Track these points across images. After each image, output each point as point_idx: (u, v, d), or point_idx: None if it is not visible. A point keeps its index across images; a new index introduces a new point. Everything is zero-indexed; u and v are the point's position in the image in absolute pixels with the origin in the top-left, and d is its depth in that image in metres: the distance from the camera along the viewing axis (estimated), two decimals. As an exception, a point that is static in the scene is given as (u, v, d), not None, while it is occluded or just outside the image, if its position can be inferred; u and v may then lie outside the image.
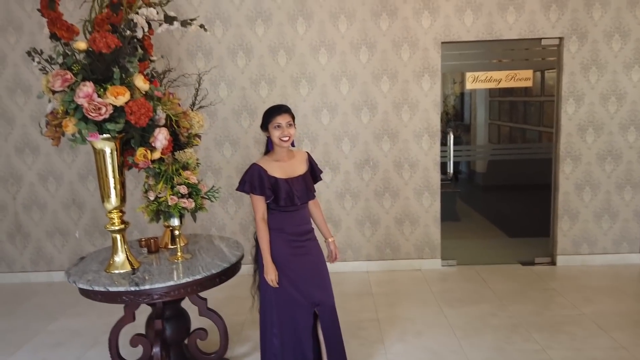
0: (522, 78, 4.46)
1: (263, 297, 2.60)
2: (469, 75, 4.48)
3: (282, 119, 2.47)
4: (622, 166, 4.48)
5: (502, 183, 4.99)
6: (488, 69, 4.46)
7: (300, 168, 2.60)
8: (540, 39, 4.37)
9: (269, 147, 2.57)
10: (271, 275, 2.46)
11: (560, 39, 4.36)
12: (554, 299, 3.87)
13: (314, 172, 2.67)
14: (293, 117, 2.54)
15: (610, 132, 4.43)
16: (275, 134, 2.47)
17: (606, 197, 4.53)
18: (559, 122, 4.47)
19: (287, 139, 2.48)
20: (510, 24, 4.30)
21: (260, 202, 2.50)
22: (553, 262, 4.67)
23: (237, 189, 2.54)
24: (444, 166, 4.58)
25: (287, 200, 2.48)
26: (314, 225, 2.70)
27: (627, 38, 4.30)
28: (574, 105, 4.42)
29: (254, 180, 2.47)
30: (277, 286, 2.48)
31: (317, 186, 2.70)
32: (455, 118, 4.86)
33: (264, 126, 2.52)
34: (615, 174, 4.49)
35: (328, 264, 2.72)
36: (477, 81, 4.47)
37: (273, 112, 2.49)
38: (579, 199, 4.54)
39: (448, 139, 4.55)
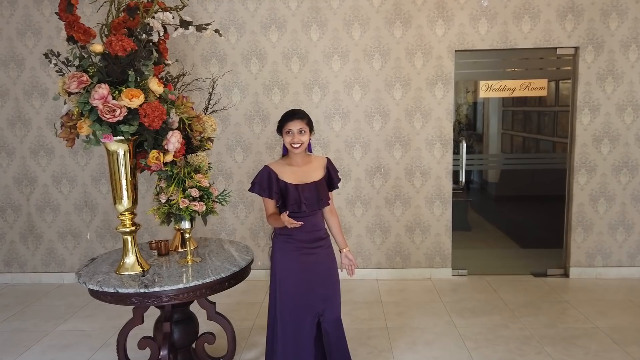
0: (537, 87, 4.42)
1: (270, 302, 2.59)
2: (482, 84, 4.45)
3: (294, 125, 2.43)
4: (638, 178, 4.41)
5: (515, 193, 4.94)
6: (502, 78, 4.43)
7: (315, 174, 2.53)
8: (556, 48, 4.33)
9: (284, 151, 2.55)
10: (284, 219, 2.31)
11: (576, 48, 4.32)
12: (567, 312, 3.81)
13: (330, 180, 2.59)
14: (310, 124, 2.49)
15: (626, 143, 4.37)
16: (286, 140, 2.46)
17: (621, 209, 4.46)
18: (573, 132, 4.42)
19: (297, 145, 2.43)
20: (525, 33, 4.28)
21: (269, 204, 2.50)
22: (566, 274, 4.60)
23: (248, 190, 2.55)
24: (455, 175, 4.55)
25: (294, 206, 2.45)
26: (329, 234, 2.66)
27: (644, 48, 4.25)
28: (590, 115, 4.36)
29: (263, 182, 2.48)
30: (294, 222, 2.31)
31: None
32: (468, 127, 4.83)
33: (279, 130, 2.50)
34: (631, 186, 4.42)
35: (342, 273, 2.65)
36: (490, 90, 4.45)
37: (286, 118, 2.47)
38: (593, 211, 4.47)
39: (460, 147, 4.52)
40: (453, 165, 4.50)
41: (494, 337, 3.41)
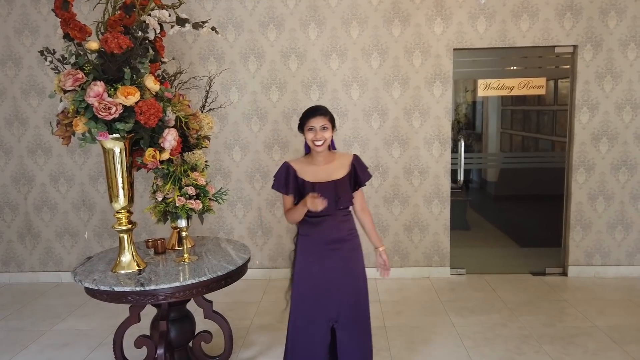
0: (535, 86, 4.41)
1: (290, 306, 2.54)
2: (481, 83, 4.44)
3: (316, 122, 2.37)
4: (637, 176, 4.40)
5: (513, 193, 4.92)
6: (501, 77, 4.43)
7: (338, 173, 2.44)
8: (554, 46, 4.32)
9: (306, 149, 2.49)
10: (308, 201, 2.25)
11: (575, 47, 4.31)
12: (566, 311, 3.80)
13: (356, 177, 2.47)
14: (332, 120, 2.43)
15: (625, 142, 4.37)
16: (309, 137, 2.39)
17: (620, 208, 4.45)
18: (572, 130, 4.42)
19: (320, 143, 2.36)
20: (523, 32, 4.27)
21: (286, 201, 2.47)
22: (564, 273, 4.59)
23: (272, 187, 2.51)
24: (454, 174, 4.54)
25: None
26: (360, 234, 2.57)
27: (642, 47, 4.24)
28: (588, 114, 4.36)
29: (280, 179, 2.45)
30: (323, 202, 2.24)
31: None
32: (466, 127, 4.82)
33: (300, 128, 2.44)
34: (629, 184, 4.42)
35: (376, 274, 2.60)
36: (489, 88, 4.44)
37: (308, 115, 2.40)
38: (592, 209, 4.47)
39: (459, 146, 4.51)
40: (451, 164, 4.49)
41: (492, 336, 3.41)
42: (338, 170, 2.45)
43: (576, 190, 4.46)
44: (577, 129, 4.38)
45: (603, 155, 4.40)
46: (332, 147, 2.49)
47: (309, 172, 2.43)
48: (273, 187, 2.49)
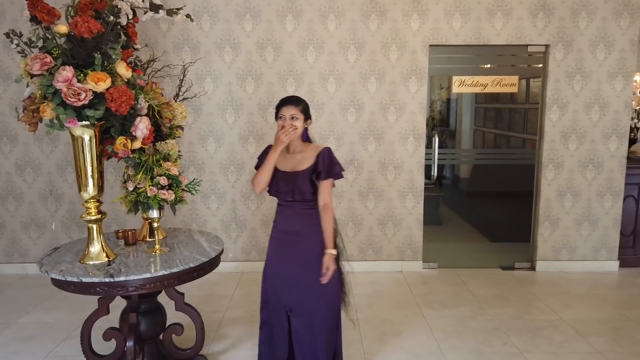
0: (508, 84, 4.49)
1: None
2: (455, 79, 4.50)
3: (286, 111, 2.40)
4: (604, 174, 4.53)
5: (485, 189, 5.02)
6: (475, 74, 4.49)
7: (303, 164, 2.44)
8: (527, 45, 4.40)
9: None
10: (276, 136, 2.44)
11: (547, 46, 4.40)
12: (533, 304, 3.89)
13: (317, 171, 2.41)
14: (305, 111, 2.44)
15: (592, 140, 4.49)
16: (279, 125, 2.42)
17: (587, 205, 4.58)
18: (542, 128, 4.51)
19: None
20: (497, 30, 4.33)
21: None
22: (533, 268, 4.70)
23: (254, 168, 2.57)
24: (428, 169, 4.59)
25: (275, 192, 2.48)
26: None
27: (611, 48, 4.36)
28: (558, 112, 4.46)
29: (261, 158, 2.51)
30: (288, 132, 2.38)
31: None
32: (441, 124, 4.87)
33: (276, 117, 2.47)
34: (596, 182, 4.55)
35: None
36: (463, 85, 4.49)
37: (280, 104, 2.44)
38: (560, 206, 4.58)
39: (433, 141, 4.56)
40: (425, 159, 4.53)
41: (462, 328, 3.46)
42: (304, 161, 2.46)
43: (545, 186, 4.56)
44: (548, 127, 4.48)
45: (572, 153, 4.51)
46: (304, 138, 2.48)
47: (281, 161, 2.47)
48: (255, 167, 2.55)
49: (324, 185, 2.43)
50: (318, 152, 2.45)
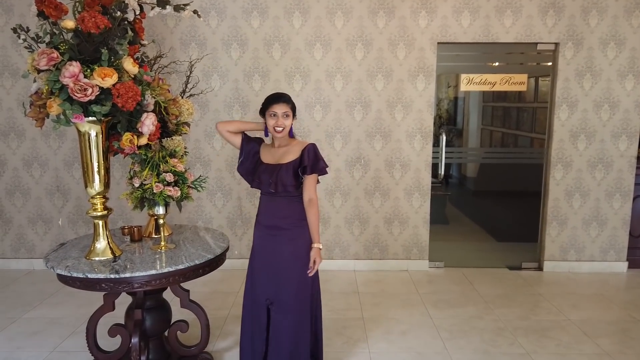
0: (517, 82, 4.45)
1: None
2: (463, 77, 4.46)
3: (279, 109, 2.43)
4: (613, 174, 4.48)
5: (492, 188, 4.98)
6: (483, 72, 4.45)
7: (287, 158, 2.46)
8: (536, 43, 4.36)
9: (266, 133, 2.54)
10: None
11: (556, 44, 4.35)
12: (540, 304, 3.86)
13: (302, 166, 2.41)
14: (294, 109, 2.50)
15: (602, 140, 4.44)
16: (270, 123, 2.45)
17: (595, 205, 4.53)
18: (551, 127, 4.47)
19: (281, 129, 2.43)
20: (507, 28, 4.29)
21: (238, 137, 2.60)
22: (540, 268, 4.66)
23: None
24: (435, 168, 4.56)
25: (257, 183, 2.50)
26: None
27: (622, 46, 4.30)
28: (567, 111, 4.41)
29: (250, 135, 2.59)
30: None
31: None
32: (448, 122, 4.84)
33: (262, 112, 2.50)
34: (605, 182, 4.50)
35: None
36: (471, 83, 4.46)
37: (272, 100, 2.46)
38: (568, 206, 4.54)
39: (440, 140, 4.53)
40: (433, 157, 4.50)
41: (468, 328, 3.44)
42: (288, 154, 2.48)
43: (553, 186, 4.52)
44: (556, 126, 4.44)
45: (580, 152, 4.46)
46: (290, 134, 2.54)
47: (266, 154, 2.54)
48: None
49: (309, 180, 2.45)
50: (303, 147, 2.48)
